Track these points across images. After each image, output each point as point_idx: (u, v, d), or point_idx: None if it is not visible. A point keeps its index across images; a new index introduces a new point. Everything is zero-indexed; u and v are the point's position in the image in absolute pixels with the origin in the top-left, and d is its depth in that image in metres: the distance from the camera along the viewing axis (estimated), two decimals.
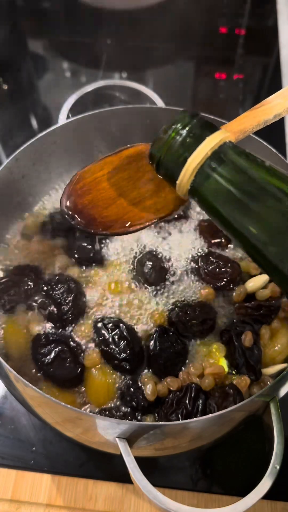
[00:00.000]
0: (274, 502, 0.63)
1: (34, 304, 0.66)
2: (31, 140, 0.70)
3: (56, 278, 0.67)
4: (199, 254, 0.71)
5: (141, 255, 0.70)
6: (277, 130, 1.06)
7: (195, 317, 0.63)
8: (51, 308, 0.65)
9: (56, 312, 0.64)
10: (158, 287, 0.67)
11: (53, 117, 1.12)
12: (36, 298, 0.66)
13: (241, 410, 0.49)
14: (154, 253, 0.70)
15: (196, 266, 0.69)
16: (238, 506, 0.44)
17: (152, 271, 0.67)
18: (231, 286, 0.67)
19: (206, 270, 0.68)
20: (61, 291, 0.65)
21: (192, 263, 0.70)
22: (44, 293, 0.66)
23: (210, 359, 0.61)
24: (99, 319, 0.64)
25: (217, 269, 0.68)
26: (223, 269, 0.68)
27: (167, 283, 0.68)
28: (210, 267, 0.68)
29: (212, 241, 0.72)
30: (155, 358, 0.61)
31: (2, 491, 0.64)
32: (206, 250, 0.72)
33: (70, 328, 0.64)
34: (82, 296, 0.67)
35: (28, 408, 0.60)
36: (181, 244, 0.73)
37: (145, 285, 0.68)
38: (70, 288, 0.66)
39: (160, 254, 0.71)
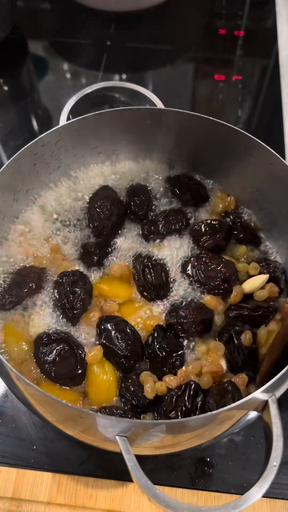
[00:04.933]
0: (273, 500, 0.63)
1: (38, 301, 0.67)
2: (32, 141, 0.70)
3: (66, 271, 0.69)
4: (191, 256, 0.72)
5: (141, 259, 0.70)
6: (276, 131, 1.07)
7: (193, 318, 0.64)
8: (64, 298, 0.65)
9: (67, 301, 0.65)
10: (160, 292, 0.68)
11: (54, 118, 1.12)
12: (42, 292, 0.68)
13: (240, 408, 0.49)
14: (158, 262, 0.71)
15: (190, 268, 0.69)
16: (237, 504, 0.44)
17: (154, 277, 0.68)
18: (226, 285, 0.68)
19: (199, 271, 0.68)
20: (70, 279, 0.66)
21: (185, 265, 0.70)
22: (55, 284, 0.67)
23: (209, 358, 0.62)
24: (104, 317, 0.65)
25: (211, 269, 0.68)
26: (217, 269, 0.68)
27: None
28: (204, 268, 0.68)
29: (205, 244, 0.73)
30: (153, 356, 0.62)
31: (3, 490, 0.64)
32: (198, 252, 0.73)
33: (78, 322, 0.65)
34: (90, 285, 0.68)
35: (29, 407, 0.60)
36: (173, 249, 0.74)
37: (146, 291, 0.68)
38: (79, 278, 0.67)
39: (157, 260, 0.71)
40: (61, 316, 0.66)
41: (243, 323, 0.64)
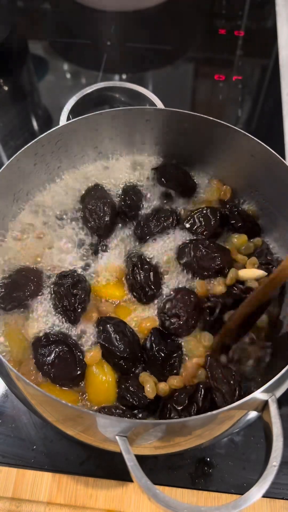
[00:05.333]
0: (273, 500, 0.63)
1: (38, 302, 0.67)
2: (32, 141, 0.70)
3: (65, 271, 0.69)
4: (189, 240, 0.71)
5: (132, 260, 0.70)
6: (276, 131, 1.07)
7: (187, 315, 0.64)
8: (61, 298, 0.65)
9: (68, 302, 0.65)
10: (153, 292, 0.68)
11: (54, 119, 1.12)
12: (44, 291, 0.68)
13: (240, 408, 0.49)
14: (144, 257, 0.70)
15: (185, 256, 0.69)
16: (237, 504, 0.45)
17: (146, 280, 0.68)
18: (220, 275, 0.68)
19: (195, 259, 0.68)
20: (69, 281, 0.66)
21: (180, 252, 0.70)
22: (54, 285, 0.67)
23: (198, 350, 0.63)
24: (103, 318, 0.65)
25: (207, 258, 0.68)
26: (213, 258, 0.68)
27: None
28: (199, 257, 0.68)
29: (202, 234, 0.73)
30: (153, 360, 0.62)
31: (3, 490, 0.64)
32: (195, 238, 0.73)
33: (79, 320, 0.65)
34: (88, 286, 0.68)
35: (29, 407, 0.60)
36: (168, 246, 0.73)
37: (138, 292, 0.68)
38: (79, 279, 0.67)
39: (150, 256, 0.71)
40: (61, 317, 0.65)
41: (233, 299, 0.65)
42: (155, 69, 1.28)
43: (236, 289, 0.66)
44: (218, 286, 0.66)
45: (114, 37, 1.30)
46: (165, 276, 0.70)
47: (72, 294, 0.65)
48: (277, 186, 0.70)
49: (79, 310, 0.65)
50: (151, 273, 0.68)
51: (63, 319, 0.65)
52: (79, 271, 0.70)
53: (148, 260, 0.70)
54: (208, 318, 0.64)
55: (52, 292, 0.67)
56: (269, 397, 0.50)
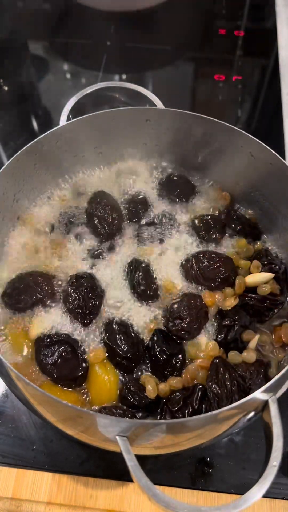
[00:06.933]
0: (273, 500, 0.63)
1: (46, 304, 0.67)
2: (32, 141, 0.70)
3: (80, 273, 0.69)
4: (191, 254, 0.71)
5: (132, 267, 0.70)
6: (276, 131, 1.07)
7: (192, 318, 0.64)
8: (76, 299, 0.65)
9: (84, 305, 0.65)
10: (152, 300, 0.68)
11: (54, 119, 1.12)
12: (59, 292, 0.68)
13: (240, 408, 0.49)
14: (144, 264, 0.70)
15: (189, 270, 0.69)
16: (237, 504, 0.44)
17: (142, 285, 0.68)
18: (226, 284, 0.68)
19: (199, 272, 0.68)
20: (86, 284, 0.66)
21: (185, 268, 0.70)
22: (70, 287, 0.67)
23: (202, 353, 0.63)
24: (112, 318, 0.65)
25: (210, 270, 0.68)
26: (216, 269, 0.68)
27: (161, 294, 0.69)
28: (203, 268, 0.68)
29: (206, 237, 0.73)
30: (155, 360, 0.62)
31: (3, 490, 0.64)
32: (198, 249, 0.73)
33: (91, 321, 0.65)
34: (101, 289, 0.68)
35: (29, 407, 0.60)
36: (168, 250, 0.73)
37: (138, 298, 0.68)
38: (95, 283, 0.67)
39: (151, 265, 0.71)
40: (73, 318, 0.65)
41: (247, 312, 0.65)
42: (155, 69, 1.28)
43: (252, 299, 0.66)
44: (229, 300, 0.66)
45: (114, 37, 1.30)
46: (160, 280, 0.70)
47: (89, 297, 0.65)
48: (276, 186, 0.70)
49: (91, 316, 0.65)
50: (141, 279, 0.68)
51: (75, 320, 0.65)
52: (92, 273, 0.70)
53: (143, 266, 0.70)
54: (221, 336, 0.64)
55: (70, 293, 0.66)
56: (269, 397, 0.50)
